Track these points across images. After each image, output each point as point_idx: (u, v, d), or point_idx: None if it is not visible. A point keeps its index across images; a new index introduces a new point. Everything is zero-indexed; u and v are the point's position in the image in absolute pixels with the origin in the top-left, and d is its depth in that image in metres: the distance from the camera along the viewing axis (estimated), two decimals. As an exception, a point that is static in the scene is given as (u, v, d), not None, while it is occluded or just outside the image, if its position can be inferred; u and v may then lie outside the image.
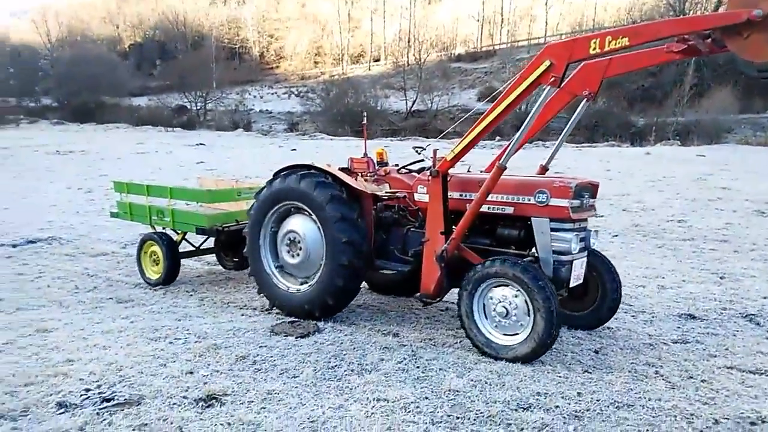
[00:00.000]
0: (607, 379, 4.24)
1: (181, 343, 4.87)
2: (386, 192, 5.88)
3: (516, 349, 4.50)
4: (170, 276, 6.96)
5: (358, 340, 4.98)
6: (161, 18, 74.72)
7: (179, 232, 7.13)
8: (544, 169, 5.54)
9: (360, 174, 6.12)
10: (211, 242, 7.48)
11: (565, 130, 5.51)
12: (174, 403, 3.74)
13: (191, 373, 4.22)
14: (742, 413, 3.75)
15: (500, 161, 4.64)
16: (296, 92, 61.48)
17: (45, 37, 68.67)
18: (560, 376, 4.26)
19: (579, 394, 3.97)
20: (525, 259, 4.66)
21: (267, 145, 32.65)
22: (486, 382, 4.12)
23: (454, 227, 4.95)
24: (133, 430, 3.41)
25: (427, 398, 3.87)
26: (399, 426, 3.50)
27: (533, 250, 4.95)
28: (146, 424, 3.46)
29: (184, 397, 3.82)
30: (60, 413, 3.57)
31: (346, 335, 5.11)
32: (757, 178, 17.63)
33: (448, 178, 5.05)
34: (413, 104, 52.05)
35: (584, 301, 5.41)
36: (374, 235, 5.52)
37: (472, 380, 4.15)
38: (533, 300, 4.35)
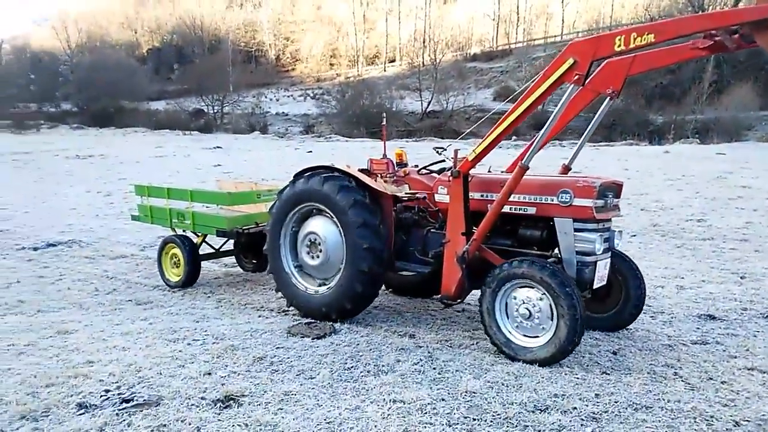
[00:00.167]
0: (625, 381, 4.20)
1: (199, 344, 4.92)
2: (406, 193, 5.88)
3: (535, 352, 4.46)
4: (191, 278, 7.03)
5: (374, 342, 4.98)
6: (179, 22, 75.44)
7: (199, 234, 7.19)
8: (566, 169, 5.49)
9: (380, 175, 6.13)
10: (230, 244, 7.55)
11: (588, 129, 5.44)
12: (192, 404, 3.77)
13: (209, 374, 4.26)
14: (763, 415, 3.70)
15: (523, 161, 4.60)
16: (312, 94, 61.71)
17: (65, 43, 69.69)
18: (578, 378, 4.23)
19: (597, 395, 3.93)
20: (549, 260, 4.61)
21: (283, 148, 32.84)
22: (503, 384, 4.10)
23: (474, 228, 4.92)
24: (152, 430, 3.44)
25: (443, 400, 3.87)
26: (415, 427, 3.50)
27: (555, 250, 4.89)
28: (165, 425, 3.49)
29: (202, 398, 3.85)
30: (80, 414, 3.63)
31: (362, 336, 5.12)
32: (778, 176, 17.32)
33: (470, 179, 5.02)
34: (428, 105, 51.97)
35: (607, 303, 5.35)
36: (394, 237, 5.51)
37: (488, 382, 4.14)
38: (558, 305, 4.30)
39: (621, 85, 4.60)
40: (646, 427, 3.53)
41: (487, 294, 4.64)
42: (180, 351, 4.73)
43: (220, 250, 7.59)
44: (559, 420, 3.58)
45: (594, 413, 3.68)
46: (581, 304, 4.29)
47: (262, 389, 4.01)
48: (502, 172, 5.60)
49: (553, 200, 4.74)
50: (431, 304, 6.34)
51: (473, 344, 5.01)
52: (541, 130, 4.76)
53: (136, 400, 3.82)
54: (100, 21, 78.38)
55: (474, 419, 3.61)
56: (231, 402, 3.82)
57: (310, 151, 29.27)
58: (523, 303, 4.53)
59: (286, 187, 5.75)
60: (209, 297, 6.65)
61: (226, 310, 6.10)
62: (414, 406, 3.76)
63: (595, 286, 4.78)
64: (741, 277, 7.37)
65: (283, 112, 57.61)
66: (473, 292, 5.20)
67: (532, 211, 4.89)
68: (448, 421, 3.58)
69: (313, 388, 4.03)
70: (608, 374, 4.35)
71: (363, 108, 49.07)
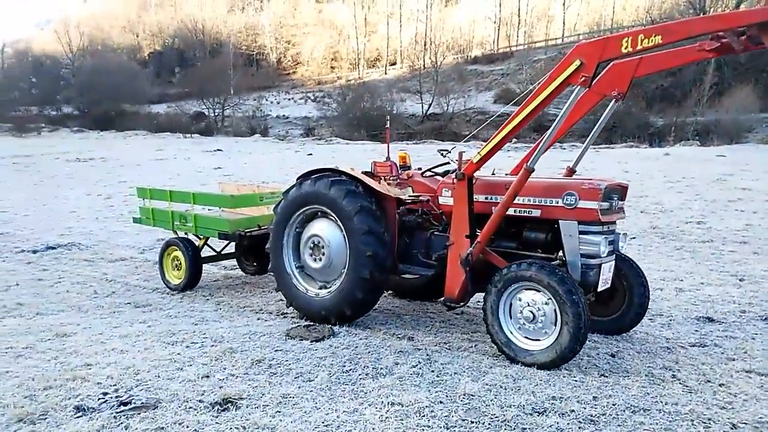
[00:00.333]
0: (623, 383, 4.20)
1: (198, 347, 4.92)
2: (410, 195, 5.87)
3: (535, 356, 4.46)
4: (192, 281, 7.02)
5: (373, 344, 4.98)
6: (180, 26, 75.65)
7: (201, 237, 7.19)
8: (571, 171, 5.49)
9: (383, 178, 6.13)
10: (231, 247, 7.55)
11: (592, 132, 5.42)
12: (190, 407, 3.77)
13: (207, 377, 4.26)
14: (760, 418, 3.69)
15: (528, 163, 4.58)
16: (313, 97, 61.86)
17: (67, 46, 69.88)
18: (576, 380, 4.22)
19: (595, 398, 3.93)
20: (555, 264, 4.59)
21: (283, 150, 32.88)
22: (501, 387, 4.10)
23: (478, 231, 4.91)
24: (150, 433, 3.44)
25: (441, 402, 3.86)
26: (413, 430, 3.50)
27: (560, 253, 4.85)
28: (162, 428, 3.49)
29: (200, 401, 3.85)
30: (78, 417, 3.63)
31: (361, 339, 5.12)
32: (779, 179, 17.31)
33: (474, 181, 5.01)
34: (429, 107, 52.06)
35: (609, 307, 5.33)
36: (397, 239, 5.49)
37: (487, 384, 4.13)
38: (564, 312, 4.28)
39: (627, 88, 4.59)
40: (644, 429, 3.52)
41: (493, 293, 4.62)
42: (178, 354, 4.73)
43: (222, 252, 7.59)
44: (557, 423, 3.57)
45: (592, 416, 3.67)
46: (587, 313, 4.27)
47: (260, 392, 4.00)
48: (506, 174, 5.58)
49: (558, 202, 4.72)
50: (430, 307, 6.34)
51: (472, 347, 5.01)
52: (547, 132, 4.75)
53: (134, 403, 3.82)
54: (102, 24, 78.63)
55: (472, 422, 3.60)
56: (229, 405, 3.81)
57: (311, 154, 29.31)
58: (528, 305, 4.51)
59: (292, 187, 5.71)
60: (208, 300, 6.66)
61: (224, 313, 6.10)
62: (412, 409, 3.75)
63: (600, 288, 4.77)
64: (740, 280, 7.36)
65: (283, 115, 57.72)
66: (476, 295, 5.19)
67: (536, 213, 4.86)
68: (446, 423, 3.58)
69: (311, 391, 4.03)
70: (606, 377, 4.35)
71: (364, 111, 49.21)
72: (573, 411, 3.73)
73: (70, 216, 13.04)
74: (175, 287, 7.02)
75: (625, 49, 4.18)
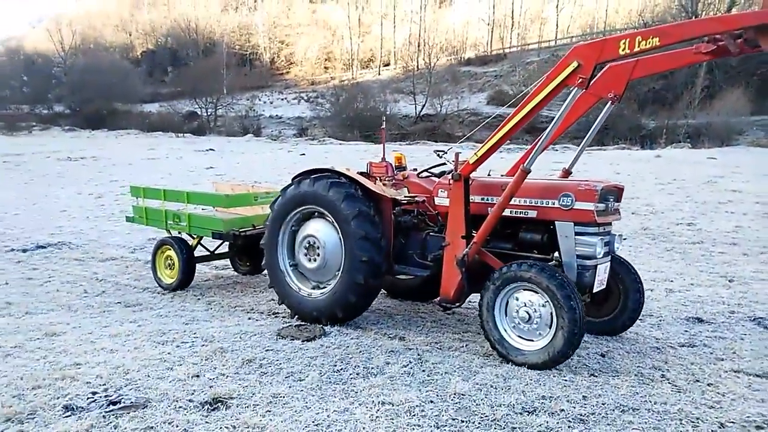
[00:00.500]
0: (612, 383, 4.22)
1: (188, 346, 4.90)
2: (405, 196, 5.87)
3: (527, 356, 4.47)
4: (185, 280, 6.98)
5: (364, 344, 4.98)
6: (173, 25, 75.41)
7: (194, 236, 7.16)
8: (567, 173, 5.50)
9: (379, 178, 6.13)
10: (225, 247, 7.52)
11: (588, 134, 5.42)
12: (180, 407, 3.76)
13: (197, 376, 4.24)
14: (748, 417, 3.72)
15: (524, 164, 4.58)
16: (306, 97, 61.80)
17: (59, 45, 69.50)
18: (566, 380, 4.24)
19: (584, 397, 3.95)
20: (552, 265, 4.59)
21: (276, 150, 32.82)
22: (491, 386, 4.11)
23: (474, 232, 4.91)
24: (139, 432, 3.43)
25: (432, 402, 3.87)
26: (403, 429, 3.50)
27: (556, 254, 4.85)
28: (152, 428, 3.48)
29: (190, 401, 3.84)
30: (66, 416, 3.61)
31: (352, 339, 5.12)
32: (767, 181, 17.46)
33: (470, 182, 5.02)
34: (422, 108, 52.11)
35: (603, 308, 5.33)
36: (393, 240, 5.49)
37: (477, 384, 4.14)
38: (560, 316, 4.28)
39: (623, 90, 4.59)
40: (633, 428, 3.54)
41: (490, 290, 4.61)
42: (168, 353, 4.71)
43: (215, 252, 7.56)
44: (547, 422, 3.58)
45: (581, 415, 3.69)
46: (583, 319, 4.28)
47: (251, 391, 3.99)
48: (502, 175, 5.58)
49: (554, 204, 4.72)
50: (421, 307, 6.34)
51: (463, 346, 5.02)
52: (543, 133, 4.76)
53: (124, 402, 3.80)
54: (95, 23, 78.31)
55: (462, 421, 3.61)
56: (219, 404, 3.80)
57: (303, 154, 29.27)
58: (525, 306, 4.51)
59: (290, 185, 5.67)
60: (199, 299, 6.63)
61: (215, 313, 6.08)
62: (402, 408, 3.76)
63: (595, 290, 4.77)
64: (729, 281, 7.41)
65: (276, 115, 57.62)
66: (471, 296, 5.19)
67: (533, 214, 4.87)
68: (436, 423, 3.58)
69: (301, 391, 4.03)
70: (596, 376, 4.37)
71: (357, 111, 49.19)
72: (563, 410, 3.74)
73: (61, 215, 12.96)
74: (168, 287, 6.98)
75: (623, 51, 4.19)
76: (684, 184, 16.82)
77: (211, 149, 32.24)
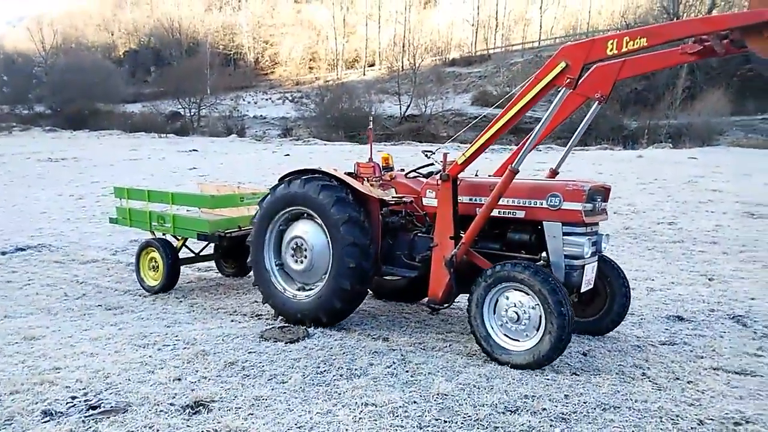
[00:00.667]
0: (594, 382, 4.25)
1: (170, 349, 4.86)
2: (393, 197, 5.86)
3: (512, 355, 4.48)
4: (170, 283, 6.91)
5: (347, 345, 4.97)
6: (156, 25, 74.64)
7: (179, 238, 7.09)
8: (554, 173, 5.52)
9: (366, 178, 6.12)
10: (210, 249, 7.46)
11: (576, 134, 5.44)
12: (161, 410, 3.72)
13: (179, 379, 4.21)
14: (726, 414, 3.77)
15: (513, 164, 4.60)
16: (290, 98, 61.50)
17: (40, 44, 68.55)
18: (548, 379, 4.27)
19: (566, 396, 3.97)
20: (538, 264, 4.61)
21: (260, 151, 32.63)
22: (474, 386, 4.12)
23: (462, 232, 4.91)
24: (119, 437, 3.39)
25: (415, 402, 3.87)
26: (386, 430, 3.50)
27: (543, 254, 4.84)
28: (132, 432, 3.45)
29: (171, 404, 3.81)
30: (45, 422, 3.56)
31: (335, 340, 5.11)
32: (747, 180, 17.72)
33: (458, 182, 5.02)
34: (407, 109, 52.13)
35: (588, 309, 5.36)
36: (381, 241, 5.47)
37: (460, 384, 4.15)
38: (549, 321, 4.29)
39: (610, 90, 4.61)
40: (614, 427, 3.57)
41: (481, 286, 4.60)
42: (150, 356, 4.67)
43: (200, 254, 7.49)
44: (529, 421, 3.60)
45: (563, 414, 3.72)
46: (571, 326, 4.31)
47: (233, 394, 3.97)
48: (489, 175, 5.58)
49: (542, 204, 4.73)
50: (405, 308, 6.35)
51: (446, 347, 5.03)
52: (531, 133, 4.78)
53: (103, 406, 3.77)
54: (77, 23, 77.29)
55: (445, 421, 3.62)
56: (200, 408, 3.78)
57: (288, 155, 29.14)
58: (515, 306, 4.51)
59: (280, 184, 5.61)
60: (181, 301, 6.58)
61: (198, 315, 6.04)
62: (386, 409, 3.76)
63: (583, 289, 4.80)
64: (709, 279, 7.51)
65: (261, 116, 57.29)
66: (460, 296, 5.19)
67: (521, 214, 4.88)
68: (419, 423, 3.59)
69: (284, 393, 4.01)
70: (578, 375, 4.40)
71: (342, 112, 49.07)
72: (545, 409, 3.76)
73: (41, 217, 12.78)
74: (154, 289, 6.90)
75: (611, 51, 4.22)
76: (665, 184, 17.02)
77: (194, 150, 31.97)
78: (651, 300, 6.56)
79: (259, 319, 5.86)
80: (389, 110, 52.71)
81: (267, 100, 63.62)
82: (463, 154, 4.83)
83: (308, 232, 5.48)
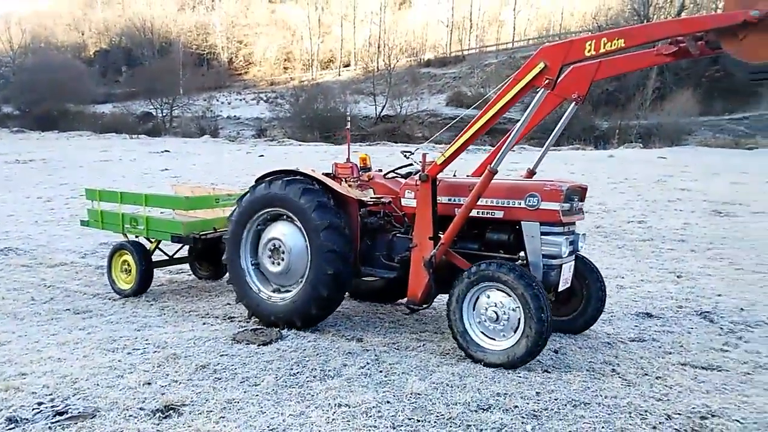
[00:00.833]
0: (565, 378, 4.30)
1: (140, 353, 4.79)
2: (371, 197, 5.83)
3: (486, 354, 4.51)
4: (143, 286, 6.77)
5: (321, 346, 4.95)
6: (128, 24, 73.46)
7: (153, 240, 6.97)
8: (531, 173, 5.54)
9: (344, 179, 6.09)
10: (185, 251, 7.36)
11: (553, 134, 5.46)
12: (130, 415, 3.67)
13: (149, 383, 4.15)
14: (693, 408, 3.85)
15: (491, 165, 4.61)
16: (265, 98, 61.11)
17: (7, 44, 67.01)
18: (520, 377, 4.30)
19: (538, 393, 4.01)
20: (516, 263, 4.62)
21: (234, 152, 32.35)
22: (448, 385, 4.14)
23: (441, 233, 4.91)
24: (86, 443, 3.34)
25: (389, 402, 3.87)
26: (360, 431, 3.50)
27: (521, 253, 4.85)
28: (100, 437, 3.39)
29: (141, 409, 3.75)
30: (10, 428, 3.48)
31: (309, 342, 5.08)
32: (715, 180, 18.13)
33: (437, 183, 5.02)
34: (383, 109, 52.19)
35: (567, 307, 5.41)
36: (359, 242, 5.43)
37: (434, 383, 4.17)
38: (528, 325, 4.31)
39: (587, 90, 4.65)
40: (584, 422, 3.62)
41: (464, 283, 4.59)
42: (119, 361, 4.59)
43: (174, 257, 7.37)
44: (501, 419, 3.63)
45: (534, 411, 3.75)
46: (549, 332, 4.35)
47: (204, 398, 3.93)
48: (467, 176, 5.60)
49: (520, 204, 4.75)
50: (379, 308, 6.34)
51: (420, 346, 5.04)
52: (510, 133, 4.80)
53: (71, 412, 3.70)
54: (46, 22, 75.70)
55: (418, 420, 3.63)
56: (171, 412, 3.73)
57: (262, 155, 28.95)
58: (495, 306, 4.52)
59: (260, 183, 5.50)
60: (152, 305, 6.47)
61: (168, 318, 5.95)
62: (359, 410, 3.75)
63: (560, 288, 4.84)
64: (678, 277, 7.66)
65: (235, 116, 56.83)
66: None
67: (499, 214, 4.89)
68: (393, 423, 3.59)
69: (257, 395, 3.98)
70: (549, 372, 4.45)
71: (317, 112, 48.92)
72: (517, 407, 3.80)
73: (8, 220, 12.46)
74: (124, 292, 6.78)
75: (588, 52, 4.25)
76: (635, 183, 17.32)
77: (166, 151, 31.55)
78: (621, 297, 6.67)
79: (231, 321, 5.80)
80: (364, 111, 52.69)
81: (241, 100, 63.12)
82: (443, 154, 4.84)
83: (286, 234, 5.41)
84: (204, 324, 5.72)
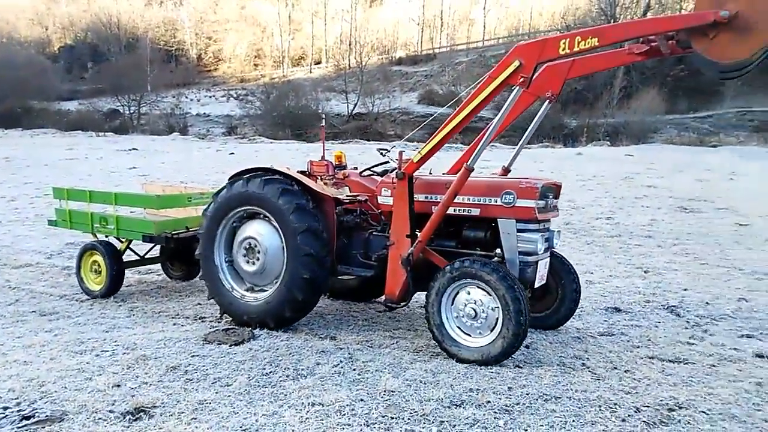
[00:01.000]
0: (536, 373, 4.36)
1: (108, 355, 4.71)
2: (347, 195, 5.80)
3: (461, 350, 4.54)
4: (114, 287, 6.63)
5: (294, 345, 4.93)
6: (93, 19, 71.78)
7: (123, 240, 6.84)
8: (506, 171, 5.58)
9: (319, 177, 6.05)
10: (156, 251, 7.23)
11: (527, 132, 5.49)
12: (99, 418, 3.61)
13: (118, 386, 4.08)
14: (661, 401, 3.93)
15: (468, 162, 4.63)
16: (235, 95, 60.38)
17: (-34, 39, 65.01)
18: (492, 372, 4.35)
19: (510, 388, 4.06)
20: (493, 260, 4.65)
21: (204, 149, 31.92)
22: (421, 381, 4.17)
23: (418, 231, 4.92)
24: (54, 447, 3.27)
25: (362, 400, 3.88)
26: (333, 429, 3.50)
27: (498, 250, 4.87)
28: (68, 441, 3.32)
29: (111, 411, 3.69)
30: (-27, 434, 3.39)
31: (282, 341, 5.05)
32: (680, 176, 18.56)
33: (414, 180, 5.02)
34: (354, 107, 52.08)
35: (541, 304, 5.46)
36: (336, 240, 5.40)
37: (407, 380, 4.19)
38: (506, 326, 4.34)
39: (560, 89, 4.71)
40: (555, 416, 3.67)
41: (446, 278, 4.60)
42: (87, 363, 4.51)
43: (146, 257, 7.24)
44: (474, 414, 3.67)
45: (507, 406, 3.80)
46: (525, 334, 4.39)
47: (175, 399, 3.88)
48: (443, 174, 5.61)
49: (496, 201, 4.78)
50: (353, 306, 6.34)
51: (393, 343, 5.05)
52: (486, 131, 4.83)
53: (38, 416, 3.62)
54: (7, 16, 73.52)
55: (392, 418, 3.64)
56: (141, 414, 3.67)
57: (233, 153, 28.64)
58: (474, 303, 4.54)
59: (238, 179, 5.42)
60: (120, 306, 6.35)
61: (138, 319, 5.85)
62: (332, 408, 3.75)
63: (536, 285, 4.88)
64: (645, 272, 7.82)
65: (204, 113, 56.04)
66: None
67: (476, 212, 4.91)
68: (366, 421, 3.60)
69: (229, 396, 3.95)
70: (521, 367, 4.50)
71: (288, 109, 48.57)
72: (489, 402, 3.84)
73: (-31, 220, 12.12)
74: (94, 293, 6.64)
75: (563, 50, 4.30)
76: (603, 181, 17.62)
77: (134, 149, 30.97)
78: (590, 293, 6.78)
79: (202, 321, 5.73)
80: (336, 108, 52.49)
81: (210, 97, 62.28)
82: (419, 152, 4.85)
83: (263, 234, 5.35)
84: (174, 324, 5.64)
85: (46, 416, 3.62)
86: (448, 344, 4.60)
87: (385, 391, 3.99)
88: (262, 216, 5.41)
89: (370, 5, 73.30)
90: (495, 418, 3.64)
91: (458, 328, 4.64)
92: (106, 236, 6.90)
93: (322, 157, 6.37)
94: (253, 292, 5.52)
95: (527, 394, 3.97)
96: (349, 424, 3.55)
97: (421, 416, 3.66)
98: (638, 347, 5.06)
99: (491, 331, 4.48)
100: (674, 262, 8.34)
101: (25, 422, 3.54)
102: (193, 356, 4.66)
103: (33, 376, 4.24)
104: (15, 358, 4.64)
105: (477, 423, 3.57)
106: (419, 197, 5.09)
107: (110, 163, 23.59)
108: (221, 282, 5.54)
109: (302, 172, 5.79)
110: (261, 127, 48.62)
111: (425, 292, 4.77)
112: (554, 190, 5.08)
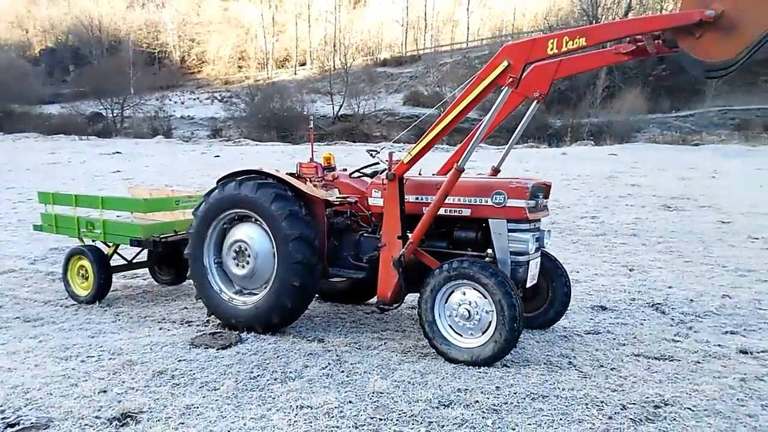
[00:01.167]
0: (524, 372, 4.38)
1: (94, 360, 4.66)
2: (337, 197, 5.79)
3: (451, 349, 4.54)
4: (101, 292, 6.54)
5: (282, 348, 4.91)
6: (75, 22, 71.01)
7: (110, 244, 6.76)
8: (495, 171, 5.60)
9: (309, 179, 6.03)
10: (143, 256, 7.17)
11: (516, 132, 5.51)
12: (86, 424, 3.57)
13: (104, 391, 4.05)
14: (647, 398, 3.97)
15: (458, 163, 4.63)
16: (219, 97, 60.11)
17: (-56, 42, 64.06)
18: (480, 372, 4.37)
19: (497, 388, 4.08)
20: (487, 262, 4.65)
21: (189, 152, 31.72)
22: (409, 382, 4.18)
23: (409, 232, 4.91)
24: (39, 455, 3.23)
25: (351, 402, 3.88)
26: (322, 431, 3.49)
27: (489, 251, 4.87)
28: (54, 449, 3.29)
29: (97, 417, 3.66)
30: (-43, 443, 3.34)
31: (269, 344, 5.03)
32: (663, 175, 18.76)
33: (404, 182, 5.02)
34: (340, 109, 52.05)
35: (531, 304, 5.47)
36: (327, 243, 5.37)
37: (395, 381, 4.19)
38: (499, 331, 4.35)
39: (548, 89, 4.72)
40: (543, 415, 3.70)
41: (442, 277, 4.59)
42: (72, 369, 4.46)
43: (133, 261, 7.17)
44: (462, 414, 3.68)
45: (494, 405, 3.82)
46: (517, 339, 4.40)
47: (162, 404, 3.85)
48: (433, 174, 5.61)
49: (487, 201, 4.79)
50: (341, 308, 6.33)
51: (381, 345, 5.05)
52: (476, 132, 4.83)
53: (23, 423, 3.58)
54: (-14, 19, 72.64)
55: (380, 419, 3.64)
56: (128, 419, 3.64)
57: (218, 156, 28.48)
58: (469, 304, 4.54)
59: (230, 182, 5.36)
60: (106, 311, 6.28)
61: (124, 324, 5.79)
62: (321, 411, 3.74)
63: (528, 285, 4.89)
64: (630, 270, 7.89)
65: (188, 116, 55.70)
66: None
67: (467, 212, 4.91)
68: (355, 423, 3.60)
69: (216, 400, 3.92)
70: (508, 367, 4.52)
71: (273, 111, 48.42)
72: (477, 402, 3.85)
73: (-50, 226, 11.93)
74: (81, 298, 6.56)
75: (551, 50, 4.31)
76: (588, 180, 17.77)
77: (117, 152, 30.68)
78: (576, 291, 6.80)
79: (189, 326, 5.70)
80: (322, 110, 52.44)
81: (195, 99, 61.93)
82: (409, 153, 4.84)
83: (254, 238, 5.30)
84: (161, 329, 5.60)
85: (32, 423, 3.58)
86: (438, 342, 4.61)
87: (373, 393, 4.00)
88: (253, 219, 5.38)
89: (354, 7, 73.31)
90: (483, 417, 3.66)
91: (450, 327, 4.64)
92: (93, 240, 6.83)
93: (311, 159, 6.36)
94: (242, 295, 5.48)
95: (515, 393, 3.99)
96: (337, 427, 3.55)
97: (409, 417, 3.66)
98: (624, 345, 5.10)
99: (483, 333, 4.49)
100: (658, 260, 8.43)
101: (9, 430, 3.50)
102: (179, 360, 4.63)
103: (18, 383, 4.19)
104: (-1, 365, 4.58)
105: (465, 423, 3.59)
106: (410, 198, 5.08)
107: (94, 167, 23.35)
108: (209, 283, 5.50)
109: (291, 174, 5.77)
110: (246, 130, 48.42)
111: (417, 294, 4.78)
112: (544, 189, 5.11)
